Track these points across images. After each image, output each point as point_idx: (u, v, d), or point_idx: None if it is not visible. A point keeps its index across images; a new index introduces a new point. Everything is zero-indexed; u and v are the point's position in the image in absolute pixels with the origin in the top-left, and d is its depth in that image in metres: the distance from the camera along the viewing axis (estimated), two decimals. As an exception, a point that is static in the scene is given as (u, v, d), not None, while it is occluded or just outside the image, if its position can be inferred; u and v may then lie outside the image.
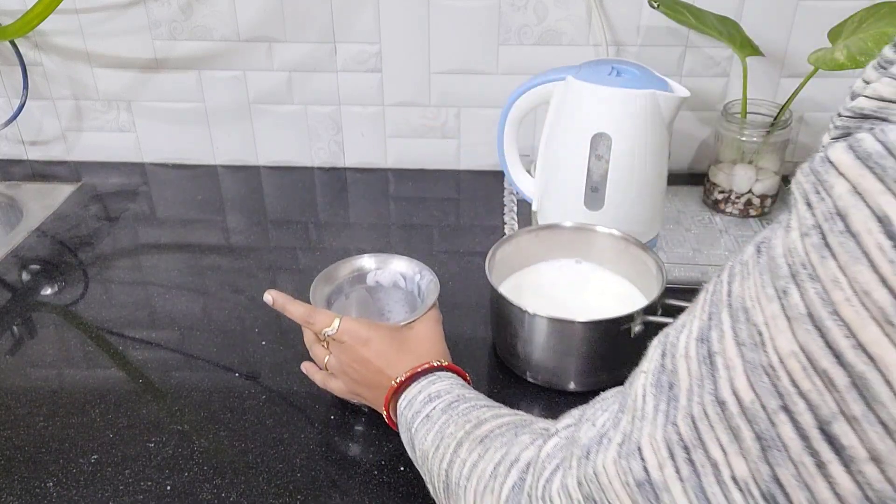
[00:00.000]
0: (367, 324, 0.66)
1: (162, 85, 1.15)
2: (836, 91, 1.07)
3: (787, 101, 0.97)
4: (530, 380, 0.75)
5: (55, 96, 1.17)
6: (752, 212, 1.02)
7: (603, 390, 0.70)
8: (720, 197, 1.03)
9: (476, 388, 0.72)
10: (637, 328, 0.70)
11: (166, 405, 0.74)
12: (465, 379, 0.63)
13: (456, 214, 1.09)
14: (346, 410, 0.74)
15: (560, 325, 0.71)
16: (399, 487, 0.65)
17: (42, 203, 1.11)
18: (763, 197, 1.01)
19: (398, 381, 0.62)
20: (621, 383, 0.69)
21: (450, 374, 0.62)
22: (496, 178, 1.13)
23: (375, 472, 0.67)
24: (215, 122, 1.17)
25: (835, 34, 0.90)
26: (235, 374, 0.78)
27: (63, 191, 1.14)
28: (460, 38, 1.07)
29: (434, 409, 0.57)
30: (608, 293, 0.81)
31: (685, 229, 1.00)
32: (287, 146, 1.19)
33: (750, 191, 1.01)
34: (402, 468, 0.67)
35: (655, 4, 0.96)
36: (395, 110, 1.14)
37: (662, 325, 0.66)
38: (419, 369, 0.62)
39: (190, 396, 0.75)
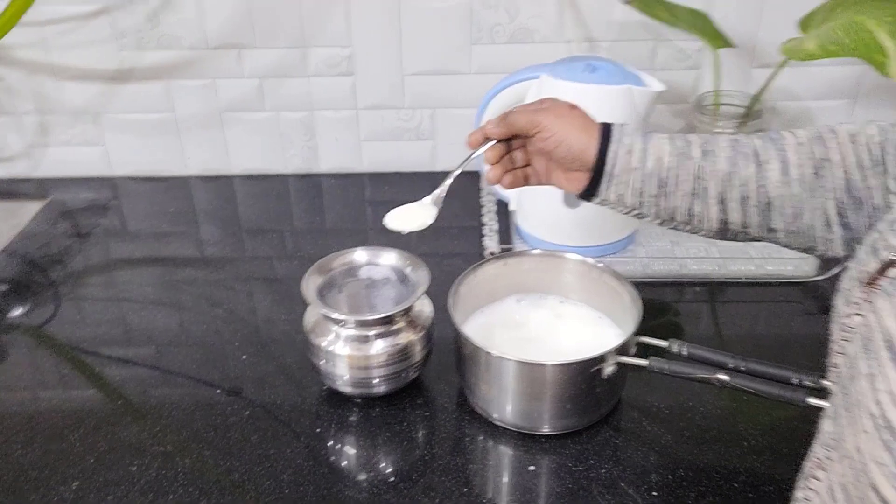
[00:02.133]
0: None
1: (130, 96, 1.12)
2: (806, 80, 1.08)
3: (759, 92, 0.97)
4: (497, 423, 0.71)
5: (19, 111, 1.14)
6: (729, 203, 1.02)
7: (577, 433, 0.68)
8: (697, 189, 1.03)
9: (441, 428, 0.72)
10: (609, 369, 0.66)
11: (147, 426, 0.73)
12: None
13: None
14: (333, 423, 0.73)
15: (529, 369, 0.66)
16: (391, 500, 0.64)
17: (8, 222, 1.08)
18: (739, 188, 1.02)
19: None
20: (596, 425, 0.68)
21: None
22: (472, 178, 1.12)
23: (366, 485, 0.66)
24: (186, 132, 1.15)
25: (805, 23, 0.91)
26: (217, 391, 0.77)
27: (30, 208, 1.12)
28: (433, 39, 1.06)
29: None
30: (581, 329, 0.77)
31: (664, 223, 1.00)
32: (260, 154, 1.17)
33: (726, 182, 1.01)
34: (392, 479, 0.66)
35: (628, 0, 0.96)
36: (368, 113, 1.13)
37: (636, 367, 0.65)
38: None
39: (171, 416, 0.74)
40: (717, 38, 0.96)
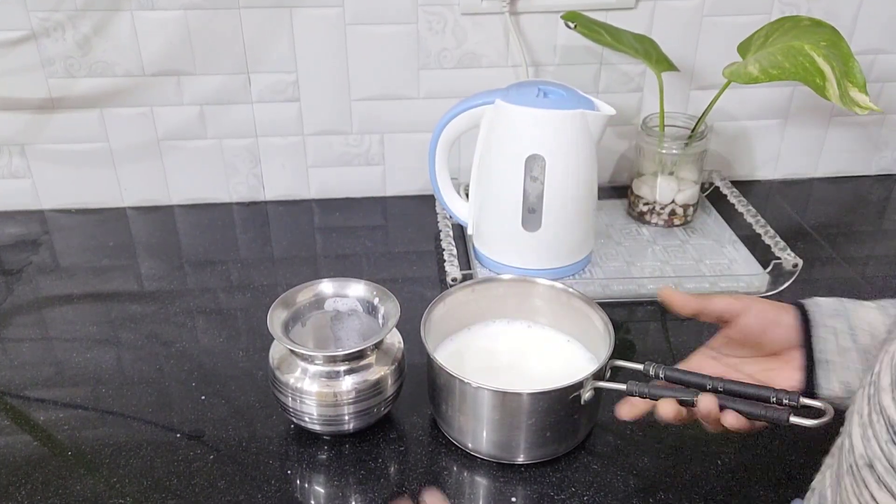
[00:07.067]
0: None
1: (60, 126, 1.07)
2: (741, 101, 1.12)
3: (703, 114, 1.00)
4: (473, 454, 0.70)
5: (-64, 143, 1.07)
6: (677, 221, 1.05)
7: (554, 461, 0.68)
8: (645, 209, 1.06)
9: (417, 462, 0.71)
10: (587, 395, 0.65)
11: (103, 477, 0.68)
12: None
13: (385, 242, 1.06)
14: (304, 463, 0.70)
15: (507, 398, 0.65)
16: (370, 540, 0.62)
17: (-70, 261, 1.01)
18: (685, 206, 1.05)
19: None
20: (573, 451, 0.67)
21: None
22: (424, 202, 1.12)
23: (343, 527, 0.64)
24: (121, 163, 1.10)
25: (744, 48, 0.94)
26: (176, 434, 0.73)
27: (-47, 246, 1.04)
28: (380, 64, 1.05)
29: None
30: (551, 354, 0.76)
31: (616, 243, 1.02)
32: (202, 182, 1.13)
33: (673, 201, 1.04)
34: (370, 519, 0.64)
35: (572, 25, 0.98)
36: (316, 139, 1.10)
37: (613, 391, 0.65)
38: None
39: (128, 464, 0.69)
40: (662, 62, 0.99)
